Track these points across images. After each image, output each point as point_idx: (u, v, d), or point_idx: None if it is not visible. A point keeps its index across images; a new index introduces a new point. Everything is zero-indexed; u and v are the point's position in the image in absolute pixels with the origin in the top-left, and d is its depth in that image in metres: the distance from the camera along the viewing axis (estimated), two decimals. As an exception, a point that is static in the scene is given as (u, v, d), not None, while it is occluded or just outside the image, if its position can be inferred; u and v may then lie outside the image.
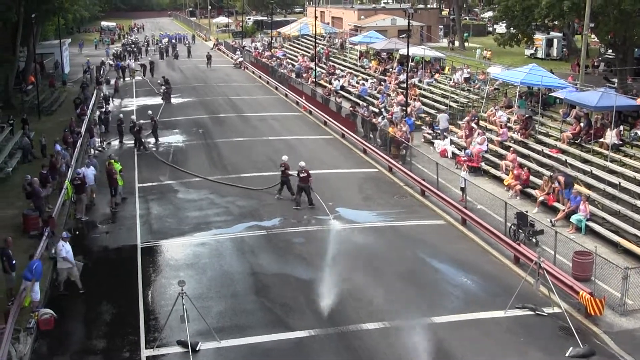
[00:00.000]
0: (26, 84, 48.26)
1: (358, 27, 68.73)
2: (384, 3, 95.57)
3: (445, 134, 33.30)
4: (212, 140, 35.85)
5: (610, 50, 45.62)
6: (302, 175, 24.69)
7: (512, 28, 48.66)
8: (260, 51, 70.41)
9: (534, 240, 20.93)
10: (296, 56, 64.74)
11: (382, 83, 45.39)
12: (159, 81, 50.39)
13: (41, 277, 17.38)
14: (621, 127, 26.69)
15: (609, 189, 23.41)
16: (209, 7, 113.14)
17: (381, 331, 16.00)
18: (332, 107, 40.54)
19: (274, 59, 63.95)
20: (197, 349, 15.11)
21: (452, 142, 32.29)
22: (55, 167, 27.13)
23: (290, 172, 25.55)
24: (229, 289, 18.41)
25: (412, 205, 25.37)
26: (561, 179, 23.98)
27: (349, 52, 59.40)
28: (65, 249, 18.27)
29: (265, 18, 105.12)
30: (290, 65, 59.27)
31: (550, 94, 32.16)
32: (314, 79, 51.91)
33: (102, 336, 16.07)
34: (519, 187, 25.66)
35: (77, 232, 22.48)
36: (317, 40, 60.86)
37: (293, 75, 54.09)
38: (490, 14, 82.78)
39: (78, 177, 24.69)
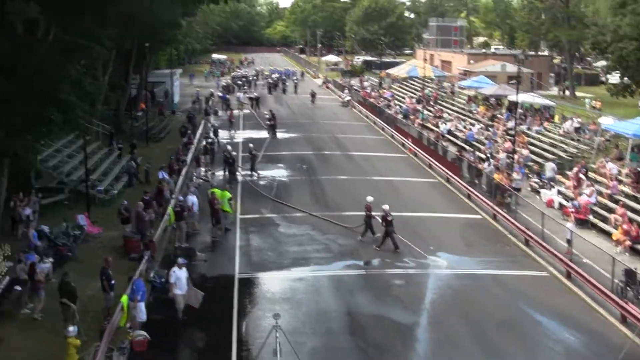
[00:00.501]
0: (137, 111, 49.47)
1: (467, 72, 68.80)
2: (495, 49, 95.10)
3: (552, 183, 32.74)
4: (315, 176, 36.16)
5: None
6: (389, 218, 24.49)
7: (626, 78, 47.33)
8: (368, 91, 71.38)
9: (642, 299, 20.26)
10: (404, 98, 65.29)
11: (490, 129, 45.13)
12: (265, 115, 51.03)
13: (145, 297, 17.82)
14: None
15: None
16: (319, 45, 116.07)
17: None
18: (438, 151, 40.68)
19: (382, 99, 64.62)
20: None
21: (559, 192, 31.71)
22: (162, 193, 27.82)
23: (373, 214, 25.46)
24: (324, 326, 18.44)
25: (515, 254, 24.99)
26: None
27: (457, 96, 59.36)
28: (175, 275, 18.36)
29: (375, 58, 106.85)
30: (397, 107, 59.79)
31: (666, 148, 31.16)
32: (421, 121, 52.16)
33: (194, 363, 16.33)
34: (628, 242, 24.88)
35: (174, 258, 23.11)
36: (426, 83, 61.25)
37: (400, 116, 54.46)
38: (603, 62, 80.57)
39: (179, 204, 25.35)
